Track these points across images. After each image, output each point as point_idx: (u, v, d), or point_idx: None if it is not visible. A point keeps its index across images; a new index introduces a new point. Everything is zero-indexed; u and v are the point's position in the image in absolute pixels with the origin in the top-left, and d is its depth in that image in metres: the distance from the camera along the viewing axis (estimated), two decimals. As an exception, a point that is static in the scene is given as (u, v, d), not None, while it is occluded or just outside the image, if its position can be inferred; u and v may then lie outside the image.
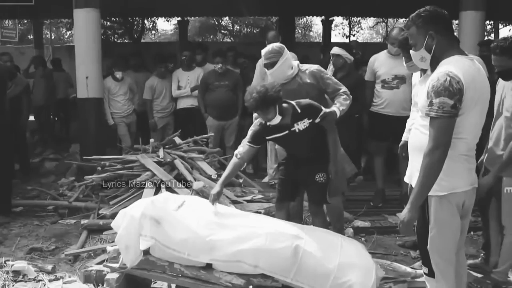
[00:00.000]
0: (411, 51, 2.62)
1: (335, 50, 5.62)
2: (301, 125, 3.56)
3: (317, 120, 3.57)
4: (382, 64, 5.33)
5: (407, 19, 2.60)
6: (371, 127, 5.66)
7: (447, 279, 2.58)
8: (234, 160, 3.62)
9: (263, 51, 3.95)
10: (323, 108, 3.63)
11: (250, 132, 3.75)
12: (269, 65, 3.91)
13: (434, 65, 2.52)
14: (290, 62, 3.96)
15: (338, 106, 3.80)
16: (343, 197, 4.66)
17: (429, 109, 2.37)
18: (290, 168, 3.82)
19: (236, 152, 3.67)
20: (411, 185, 2.66)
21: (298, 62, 4.13)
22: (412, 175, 2.62)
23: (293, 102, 3.58)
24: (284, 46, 4.00)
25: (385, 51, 5.39)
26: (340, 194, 4.23)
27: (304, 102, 3.60)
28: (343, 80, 4.37)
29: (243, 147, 3.66)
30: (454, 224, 2.54)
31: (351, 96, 3.95)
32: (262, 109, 3.41)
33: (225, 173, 3.59)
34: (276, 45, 3.98)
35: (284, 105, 3.54)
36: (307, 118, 3.56)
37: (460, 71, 2.35)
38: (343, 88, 3.95)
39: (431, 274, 2.60)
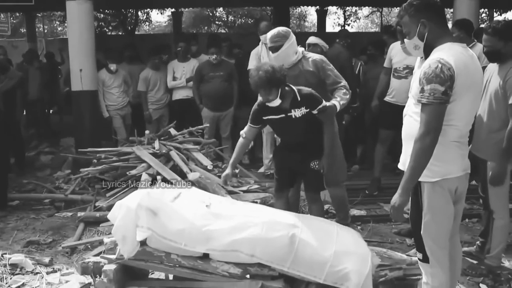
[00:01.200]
0: (405, 40, 2.65)
1: (312, 39, 5.63)
2: (298, 112, 3.58)
3: (315, 111, 3.58)
4: (397, 52, 5.32)
5: (400, 8, 2.61)
6: (381, 115, 5.67)
7: (441, 264, 2.60)
8: (240, 140, 3.77)
9: (269, 34, 3.96)
10: (323, 101, 3.63)
11: (251, 113, 3.81)
12: (274, 49, 3.91)
13: (427, 52, 2.53)
14: (295, 48, 3.96)
15: (339, 100, 3.77)
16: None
17: (420, 95, 2.40)
18: (285, 154, 3.84)
19: (241, 132, 3.79)
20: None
21: (303, 49, 4.12)
22: (406, 162, 2.63)
23: (295, 88, 3.59)
24: (291, 31, 3.99)
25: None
26: (339, 185, 4.23)
27: (305, 90, 3.61)
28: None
29: (246, 127, 3.77)
30: (447, 209, 2.57)
31: (350, 91, 3.92)
32: (265, 89, 3.44)
33: (234, 155, 3.76)
34: (282, 29, 3.96)
35: (287, 88, 3.56)
36: (305, 107, 3.58)
37: (452, 58, 2.37)
38: (343, 82, 3.92)
39: (425, 259, 2.62)
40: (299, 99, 3.56)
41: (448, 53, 2.40)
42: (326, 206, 4.72)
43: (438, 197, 2.53)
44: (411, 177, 2.45)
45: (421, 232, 2.59)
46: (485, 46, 3.48)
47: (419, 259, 2.69)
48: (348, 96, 3.86)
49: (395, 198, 2.50)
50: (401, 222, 2.56)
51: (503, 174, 3.41)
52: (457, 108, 2.42)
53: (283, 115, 3.59)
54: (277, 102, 3.49)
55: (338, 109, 3.75)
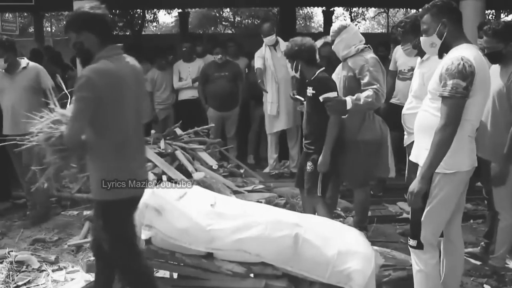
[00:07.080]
0: (422, 37, 2.80)
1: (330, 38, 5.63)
2: (308, 91, 3.72)
3: (321, 98, 3.64)
4: (402, 54, 5.30)
5: (421, 8, 2.79)
6: (386, 117, 5.64)
7: (433, 251, 2.78)
8: None
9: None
10: (335, 93, 3.66)
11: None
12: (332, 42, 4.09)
13: (442, 51, 2.72)
14: (345, 43, 3.96)
15: (355, 98, 3.67)
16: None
17: (442, 90, 2.54)
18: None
19: None
20: (418, 165, 2.78)
21: (359, 47, 3.96)
22: (419, 154, 2.76)
23: (318, 70, 3.77)
24: (346, 25, 4.04)
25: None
26: (362, 188, 4.16)
27: (322, 74, 3.76)
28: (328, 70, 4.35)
29: None
30: (452, 201, 2.73)
31: (382, 96, 3.80)
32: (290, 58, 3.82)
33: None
34: (338, 24, 4.09)
35: (311, 68, 3.77)
36: (312, 88, 3.71)
37: (472, 56, 2.54)
38: (376, 86, 3.74)
39: (419, 246, 2.76)
40: (312, 78, 3.73)
41: (468, 52, 2.57)
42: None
43: (448, 189, 2.67)
44: (430, 166, 2.59)
45: (422, 219, 2.71)
46: (485, 48, 3.50)
47: (412, 246, 2.80)
48: (371, 100, 3.69)
49: (414, 185, 2.64)
50: (417, 208, 2.58)
51: (505, 174, 3.42)
52: (473, 104, 2.57)
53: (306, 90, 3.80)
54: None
55: (349, 107, 3.66)
